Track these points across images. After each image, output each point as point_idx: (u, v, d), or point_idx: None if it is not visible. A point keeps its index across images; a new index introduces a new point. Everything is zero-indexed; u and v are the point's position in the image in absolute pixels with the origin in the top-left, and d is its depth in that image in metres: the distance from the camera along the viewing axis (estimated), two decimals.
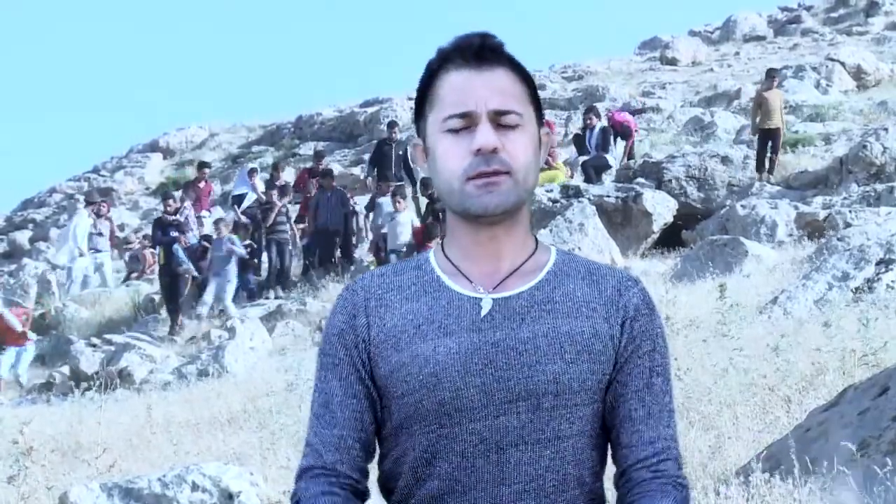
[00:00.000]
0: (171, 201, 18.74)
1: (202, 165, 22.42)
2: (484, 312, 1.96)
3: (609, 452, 2.05)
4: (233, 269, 16.98)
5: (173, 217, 18.05)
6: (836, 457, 5.45)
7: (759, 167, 18.44)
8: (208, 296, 16.97)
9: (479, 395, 1.92)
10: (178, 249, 17.16)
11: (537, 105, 2.03)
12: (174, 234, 17.58)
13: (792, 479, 5.44)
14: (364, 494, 2.04)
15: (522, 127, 1.97)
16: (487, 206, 1.95)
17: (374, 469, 2.08)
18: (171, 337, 16.66)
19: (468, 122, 1.95)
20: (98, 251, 20.06)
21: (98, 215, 20.23)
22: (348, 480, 2.01)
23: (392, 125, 20.76)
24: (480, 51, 1.97)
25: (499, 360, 1.93)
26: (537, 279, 2.01)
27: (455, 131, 1.96)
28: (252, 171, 20.69)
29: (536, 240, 2.07)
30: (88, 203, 22.18)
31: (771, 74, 19.47)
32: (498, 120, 1.95)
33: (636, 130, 21.39)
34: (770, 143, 18.38)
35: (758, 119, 18.61)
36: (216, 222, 17.87)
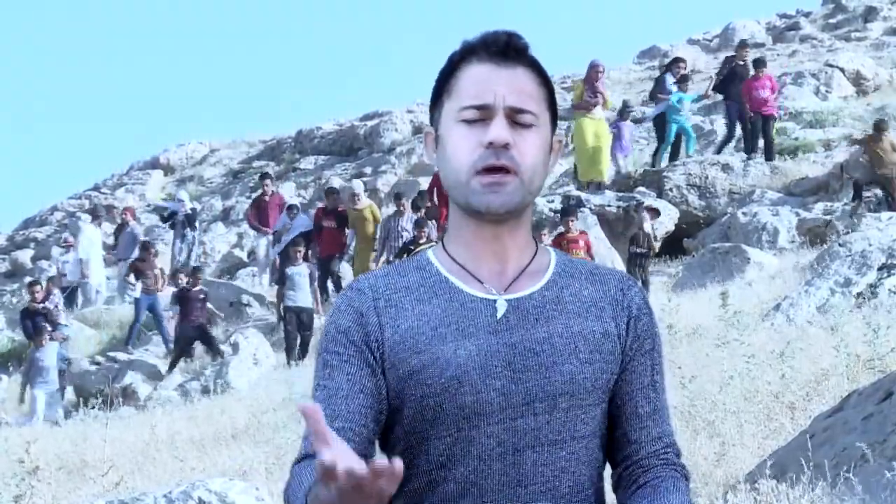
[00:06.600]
0: (37, 288, 17.72)
1: (264, 176, 20.47)
2: (500, 314, 1.97)
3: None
4: (54, 376, 15.31)
5: (41, 305, 17.16)
6: (841, 463, 5.45)
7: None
8: (38, 411, 15.09)
9: (499, 398, 1.93)
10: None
11: (553, 110, 2.05)
12: (43, 324, 16.34)
13: (799, 485, 5.44)
14: None
15: (536, 128, 1.99)
16: (490, 204, 1.96)
17: None
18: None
19: (484, 114, 1.97)
20: (123, 260, 19.93)
21: (121, 227, 20.20)
22: None
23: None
24: (506, 48, 2.00)
25: (517, 361, 1.94)
26: (545, 279, 2.03)
27: (469, 122, 1.98)
28: (291, 207, 18.65)
29: (536, 242, 2.09)
30: (94, 217, 22.18)
31: (880, 127, 16.73)
32: (513, 117, 1.97)
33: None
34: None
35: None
36: (41, 331, 15.93)
